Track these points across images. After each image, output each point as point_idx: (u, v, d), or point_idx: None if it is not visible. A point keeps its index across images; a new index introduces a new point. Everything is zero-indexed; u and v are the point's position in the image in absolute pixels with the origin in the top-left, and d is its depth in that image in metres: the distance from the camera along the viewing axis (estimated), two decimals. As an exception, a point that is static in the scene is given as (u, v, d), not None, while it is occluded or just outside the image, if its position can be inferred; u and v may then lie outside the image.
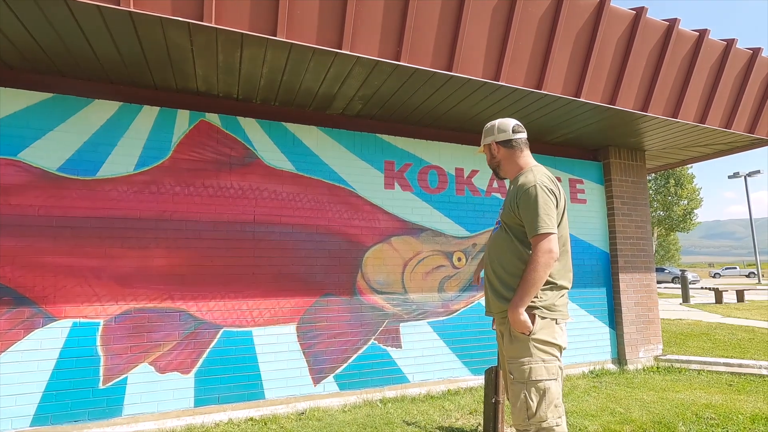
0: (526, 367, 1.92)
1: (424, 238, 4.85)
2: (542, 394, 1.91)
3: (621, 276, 5.79)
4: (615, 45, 4.29)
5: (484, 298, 2.46)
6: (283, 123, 4.42)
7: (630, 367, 5.59)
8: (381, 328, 4.51)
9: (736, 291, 14.62)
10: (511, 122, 2.28)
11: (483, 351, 4.91)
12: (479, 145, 5.22)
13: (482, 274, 2.59)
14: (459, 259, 4.98)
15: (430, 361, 4.68)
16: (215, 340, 3.90)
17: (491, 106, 4.49)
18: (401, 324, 4.61)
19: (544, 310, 1.97)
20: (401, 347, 4.57)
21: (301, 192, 4.38)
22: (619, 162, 6.08)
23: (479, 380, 4.81)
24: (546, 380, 1.91)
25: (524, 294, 1.92)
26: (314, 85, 3.99)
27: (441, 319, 4.80)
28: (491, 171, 2.38)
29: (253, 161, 4.24)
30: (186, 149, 4.02)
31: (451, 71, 3.67)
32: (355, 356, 4.37)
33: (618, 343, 5.74)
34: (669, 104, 4.76)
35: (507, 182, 2.85)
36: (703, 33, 4.69)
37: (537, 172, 2.11)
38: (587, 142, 5.87)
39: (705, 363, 5.57)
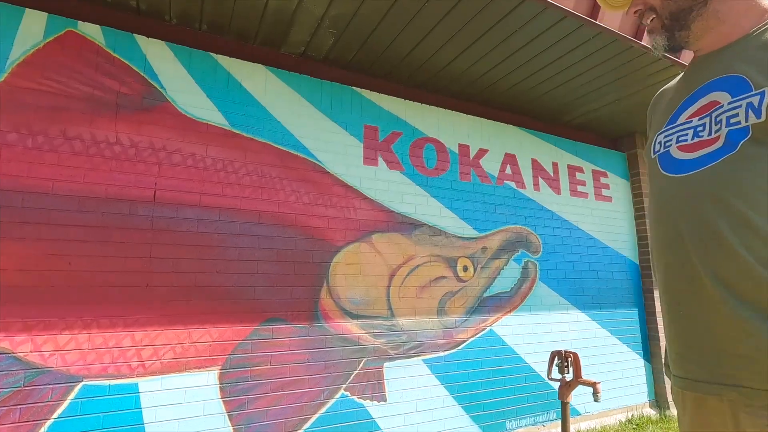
0: None
1: (419, 237, 3.40)
2: None
3: (656, 294, 4.59)
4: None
5: (680, 329, 0.98)
6: (213, 54, 2.89)
7: (673, 411, 4.33)
8: (356, 372, 2.96)
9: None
10: None
11: (499, 399, 3.46)
12: (487, 118, 3.92)
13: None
14: (465, 269, 3.57)
15: (427, 418, 3.16)
16: (66, 403, 2.20)
17: (504, 60, 3.21)
18: (386, 364, 3.09)
19: None
20: (385, 400, 3.03)
21: (236, 159, 2.83)
22: (647, 153, 4.97)
23: (494, 443, 3.34)
24: None
25: None
26: (261, -14, 2.51)
27: (442, 354, 3.32)
28: (668, 25, 0.96)
29: (157, 105, 2.66)
30: (35, 74, 2.38)
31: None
32: (314, 418, 2.78)
33: (656, 381, 4.48)
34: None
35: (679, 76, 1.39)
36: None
37: None
38: (609, 127, 4.72)
39: (762, 405, 4.41)
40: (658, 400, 4.43)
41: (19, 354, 2.15)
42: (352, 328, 3.01)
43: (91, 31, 2.56)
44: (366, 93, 3.43)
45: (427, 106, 3.72)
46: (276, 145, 2.98)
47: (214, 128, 2.80)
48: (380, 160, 3.37)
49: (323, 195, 3.08)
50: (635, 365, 4.41)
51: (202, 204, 2.67)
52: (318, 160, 3.11)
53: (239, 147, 2.85)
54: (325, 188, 3.10)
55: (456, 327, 3.43)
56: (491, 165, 3.94)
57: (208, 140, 2.76)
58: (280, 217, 2.90)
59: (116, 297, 2.38)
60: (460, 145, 3.80)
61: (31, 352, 2.17)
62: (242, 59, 2.98)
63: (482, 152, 3.91)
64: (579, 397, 3.88)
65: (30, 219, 2.26)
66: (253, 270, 2.75)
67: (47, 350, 2.20)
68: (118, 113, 2.54)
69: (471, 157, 3.84)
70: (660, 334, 4.49)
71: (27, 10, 2.42)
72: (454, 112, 3.85)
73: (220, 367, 2.56)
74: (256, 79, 3.00)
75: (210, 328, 2.57)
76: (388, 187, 3.35)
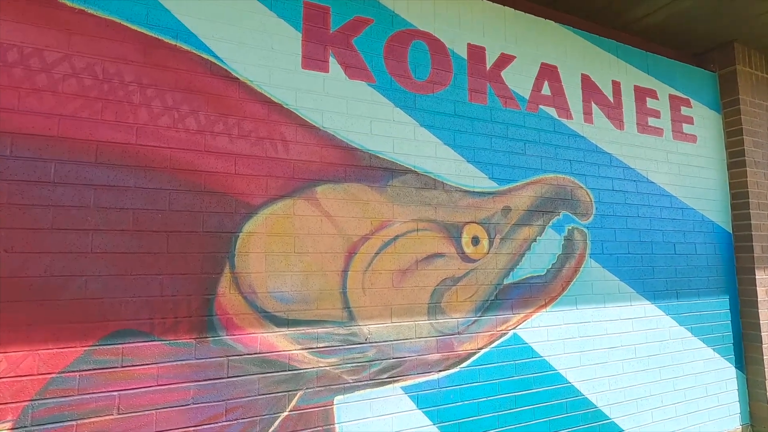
0: None
1: (399, 191, 2.10)
2: None
3: (758, 275, 3.18)
4: None
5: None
6: None
7: (778, 443, 3.02)
8: (284, 414, 1.77)
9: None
10: None
11: (524, 442, 2.24)
12: (514, 7, 2.49)
13: None
14: (475, 241, 2.26)
15: (409, 479, 1.98)
16: None
17: None
18: (338, 398, 1.88)
19: None
20: (337, 457, 1.85)
21: (50, 46, 1.56)
22: (749, 72, 3.43)
23: None
24: None
25: None
26: None
27: (434, 376, 2.08)
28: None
29: None
30: None
31: None
32: (207, 496, 1.63)
33: (752, 398, 3.15)
34: None
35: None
36: None
37: None
38: (695, 31, 3.18)
39: None
40: (754, 425, 3.12)
41: None
42: (277, 341, 1.79)
43: None
44: (309, -51, 2.05)
45: (417, -20, 2.31)
46: (134, 27, 1.68)
47: (-1, -14, 1.52)
48: (333, 62, 2.03)
49: (226, 117, 1.79)
50: (724, 376, 3.08)
51: (-27, 125, 1.44)
52: (216, 57, 1.80)
53: (56, 25, 1.57)
54: (231, 105, 1.81)
55: (459, 333, 2.17)
56: (519, 80, 2.53)
57: (-13, 8, 1.49)
58: (139, 153, 1.64)
59: None
60: (470, 47, 2.40)
61: None
62: None
63: (506, 60, 2.51)
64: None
65: None
66: (85, 247, 1.53)
67: None
68: None
69: (488, 67, 2.44)
70: (762, 333, 3.12)
71: None
72: (461, -7, 2.43)
73: (10, 425, 1.40)
74: None
75: (-10, 353, 1.40)
76: (347, 107, 2.03)
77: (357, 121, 2.04)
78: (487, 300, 2.26)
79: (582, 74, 2.78)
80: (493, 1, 2.52)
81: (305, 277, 1.87)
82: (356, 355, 1.93)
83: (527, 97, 2.55)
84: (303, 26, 1.98)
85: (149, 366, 1.58)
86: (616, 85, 2.91)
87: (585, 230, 2.62)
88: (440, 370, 2.10)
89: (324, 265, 1.91)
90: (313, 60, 1.99)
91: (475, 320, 2.22)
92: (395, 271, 2.05)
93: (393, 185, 2.09)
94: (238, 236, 1.76)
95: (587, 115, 2.75)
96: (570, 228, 2.57)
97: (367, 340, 1.96)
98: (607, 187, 2.73)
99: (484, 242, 2.29)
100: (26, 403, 1.42)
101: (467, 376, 2.16)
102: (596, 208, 2.68)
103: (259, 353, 1.75)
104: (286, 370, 1.79)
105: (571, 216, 2.58)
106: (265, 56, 1.89)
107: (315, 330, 1.86)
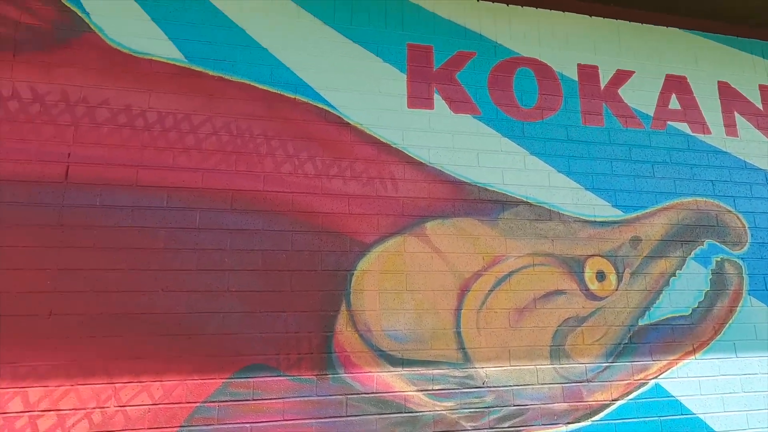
0: None
1: (512, 224, 1.99)
2: None
3: None
4: None
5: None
6: (165, -42, 1.91)
7: None
8: (401, 460, 1.71)
9: None
10: None
11: None
12: (628, 19, 2.32)
13: None
14: (600, 276, 2.03)
15: None
16: None
17: None
18: (456, 446, 1.77)
19: None
20: None
21: (196, 111, 1.80)
22: None
23: None
24: None
25: None
26: None
27: (561, 429, 1.87)
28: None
29: (75, 38, 1.77)
30: None
31: None
32: None
33: None
34: None
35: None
36: None
37: None
38: None
39: None
40: None
41: None
42: (393, 381, 1.76)
43: (-16, -60, 1.77)
44: (411, -5, 2.14)
45: (518, 7, 2.26)
46: (260, 86, 1.88)
47: (161, 65, 1.81)
48: (437, 98, 2.04)
49: (340, 160, 1.89)
50: None
51: (141, 182, 1.70)
52: (330, 105, 1.93)
53: (201, 92, 1.82)
54: (343, 149, 1.90)
55: (588, 380, 1.93)
56: (641, 96, 2.30)
57: (152, 84, 1.79)
58: (266, 198, 1.79)
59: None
60: (580, 67, 2.25)
61: None
62: (211, -38, 1.95)
63: (623, 76, 2.30)
64: None
65: None
66: (222, 286, 1.69)
67: None
68: (17, 54, 1.70)
69: (602, 86, 2.26)
70: None
71: None
72: (566, 13, 2.32)
73: (162, 449, 1.56)
74: (231, -11, 1.95)
75: (150, 381, 1.58)
76: (453, 141, 2.01)
77: (463, 154, 2.01)
78: (620, 343, 1.99)
79: (719, 82, 2.43)
80: (604, 17, 2.36)
81: (418, 315, 1.83)
82: (474, 400, 1.81)
83: (651, 113, 2.29)
84: (408, 67, 2.04)
85: (276, 400, 1.66)
86: (764, 90, 2.49)
87: (739, 262, 2.21)
88: (568, 422, 1.88)
89: (436, 303, 1.86)
90: (418, 98, 2.02)
91: (607, 366, 1.96)
92: (511, 310, 1.92)
93: (504, 218, 1.99)
94: (353, 274, 1.81)
95: (729, 127, 2.37)
96: (718, 260, 2.18)
97: (485, 384, 1.83)
98: (764, 209, 2.30)
99: (611, 277, 2.05)
100: (176, 429, 1.57)
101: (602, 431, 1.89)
102: (751, 235, 2.26)
103: (376, 393, 1.74)
104: (402, 412, 1.74)
105: (718, 245, 2.20)
106: (373, 100, 1.97)
107: (430, 371, 1.80)
